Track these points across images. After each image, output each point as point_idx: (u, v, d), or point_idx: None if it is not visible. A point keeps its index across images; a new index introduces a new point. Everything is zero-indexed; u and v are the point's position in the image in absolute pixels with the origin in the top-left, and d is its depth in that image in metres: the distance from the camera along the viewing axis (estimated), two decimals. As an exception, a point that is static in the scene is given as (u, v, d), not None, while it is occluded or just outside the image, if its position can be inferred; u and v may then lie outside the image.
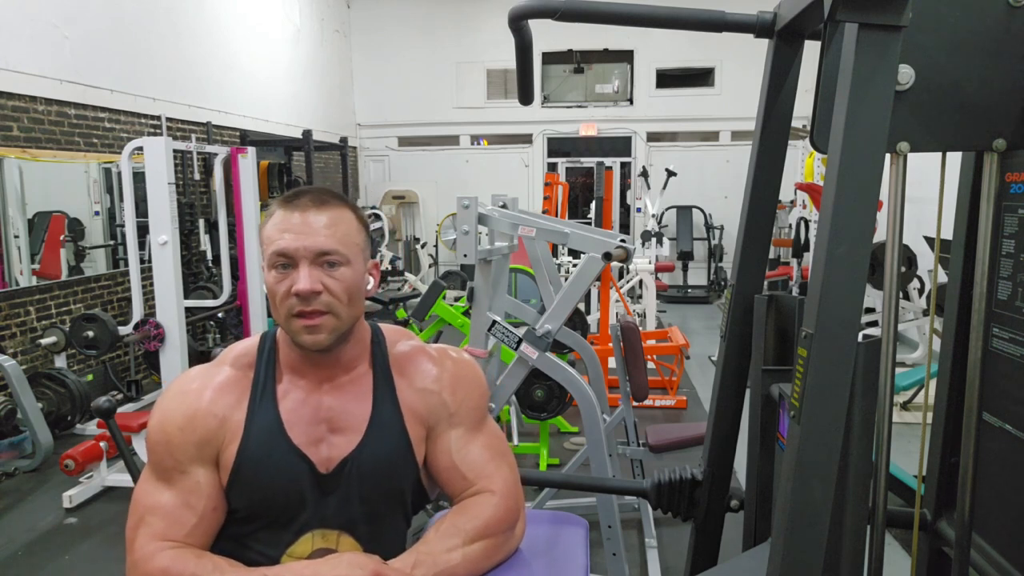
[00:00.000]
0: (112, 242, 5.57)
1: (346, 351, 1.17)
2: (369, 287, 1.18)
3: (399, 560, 1.09)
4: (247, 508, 1.13)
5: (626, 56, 10.59)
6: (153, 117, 5.98)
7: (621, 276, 7.73)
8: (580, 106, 10.75)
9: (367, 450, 1.14)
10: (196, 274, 6.26)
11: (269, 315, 5.57)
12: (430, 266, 10.23)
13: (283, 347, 1.18)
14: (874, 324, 5.84)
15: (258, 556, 1.13)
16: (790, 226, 8.65)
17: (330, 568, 1.05)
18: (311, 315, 1.08)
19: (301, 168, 7.78)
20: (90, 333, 4.49)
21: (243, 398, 1.14)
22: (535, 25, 1.50)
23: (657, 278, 7.89)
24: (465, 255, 2.50)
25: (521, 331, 2.49)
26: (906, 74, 1.08)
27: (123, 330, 4.42)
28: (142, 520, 1.10)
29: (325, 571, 1.05)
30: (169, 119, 6.17)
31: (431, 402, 1.20)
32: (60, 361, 4.64)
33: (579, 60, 10.58)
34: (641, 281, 7.32)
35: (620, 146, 10.78)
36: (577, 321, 4.74)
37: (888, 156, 1.09)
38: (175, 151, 5.06)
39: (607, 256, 2.37)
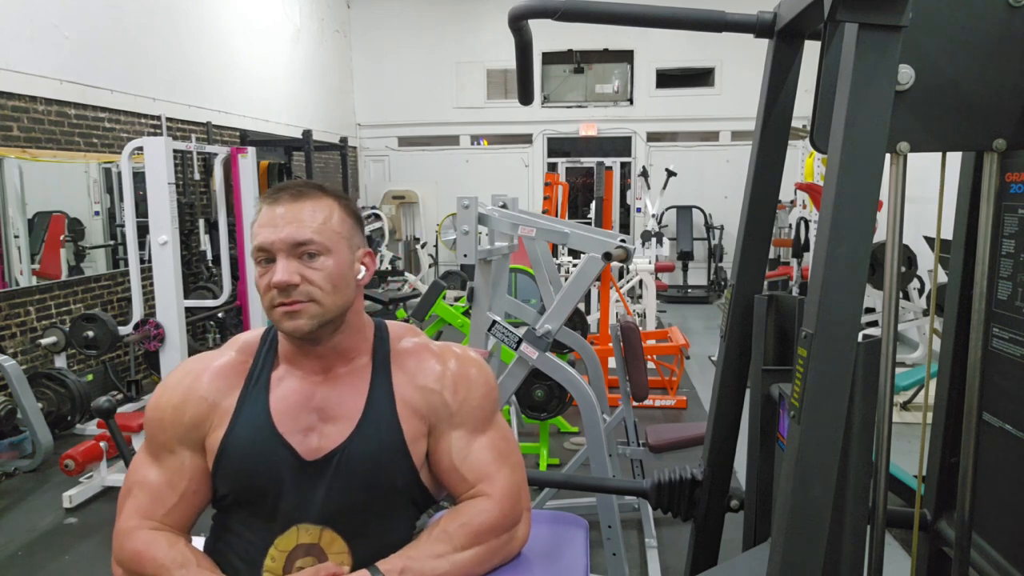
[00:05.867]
0: (112, 242, 5.57)
1: (341, 341, 1.16)
2: (360, 276, 1.17)
3: (386, 562, 1.07)
4: (231, 494, 1.14)
5: (626, 56, 10.58)
6: (153, 117, 5.98)
7: (621, 276, 7.72)
8: (580, 106, 10.75)
9: (357, 442, 1.12)
10: (196, 274, 6.26)
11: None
12: (430, 266, 10.23)
13: (282, 338, 1.18)
14: (874, 324, 5.84)
15: (248, 545, 1.13)
16: (790, 226, 8.65)
17: None
18: (291, 303, 1.08)
19: (301, 168, 7.78)
20: (90, 333, 4.49)
21: (237, 384, 1.16)
22: (535, 25, 1.50)
23: (657, 278, 7.89)
24: (465, 255, 2.50)
25: (521, 331, 2.49)
26: (906, 74, 1.08)
27: (123, 330, 4.42)
28: (130, 491, 1.16)
29: None
30: (169, 119, 6.17)
31: (432, 401, 1.17)
32: (60, 361, 4.63)
33: (579, 60, 10.58)
34: (641, 281, 7.32)
35: (620, 146, 10.78)
36: (577, 321, 4.74)
37: (888, 156, 1.09)
38: (175, 151, 5.07)
39: (607, 256, 2.37)
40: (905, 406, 4.84)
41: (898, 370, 4.94)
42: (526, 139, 10.82)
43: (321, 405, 1.14)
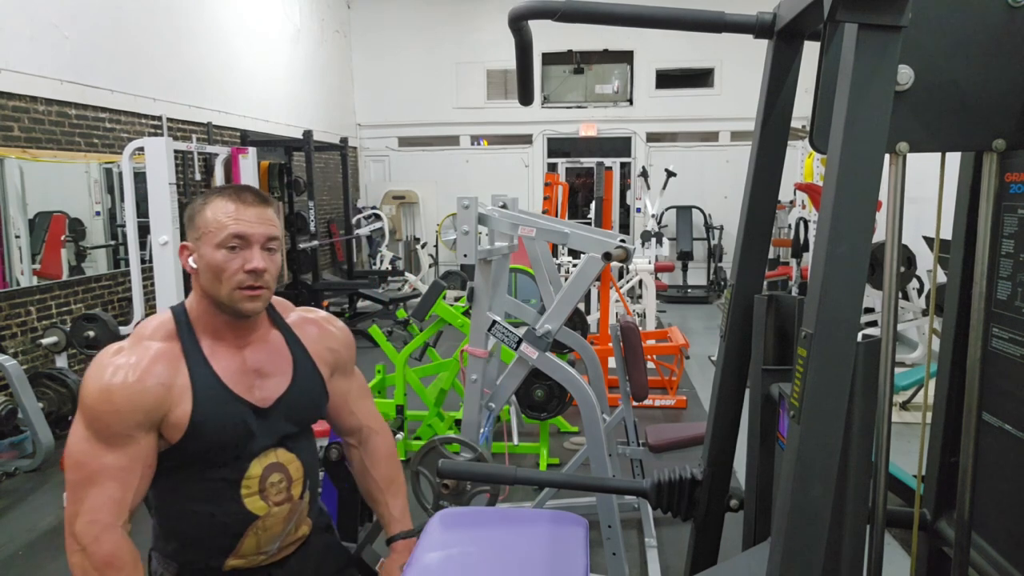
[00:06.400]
0: (113, 242, 5.57)
1: (258, 317, 1.45)
2: None
3: (394, 525, 1.61)
4: (206, 451, 1.34)
5: (626, 56, 10.59)
6: (154, 117, 5.98)
7: (621, 276, 7.73)
8: (580, 106, 10.75)
9: (296, 388, 1.46)
10: (196, 274, 6.26)
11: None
12: (430, 266, 10.23)
13: (201, 316, 1.39)
14: (874, 324, 5.85)
15: (221, 483, 1.35)
16: (790, 226, 8.65)
17: None
18: (256, 288, 1.34)
19: (301, 168, 7.78)
20: (91, 333, 4.49)
21: (179, 365, 1.34)
22: (535, 25, 1.50)
23: (657, 278, 7.89)
24: (465, 255, 2.50)
25: (521, 331, 2.49)
26: (906, 74, 1.08)
27: (123, 330, 4.42)
28: (91, 479, 1.26)
29: None
30: (169, 119, 6.17)
31: (337, 356, 1.57)
32: (61, 361, 4.64)
33: (579, 60, 10.58)
34: (641, 281, 7.32)
35: (620, 146, 10.78)
36: (577, 321, 4.74)
37: (888, 156, 1.09)
38: (176, 151, 5.07)
39: (607, 256, 2.37)
40: (905, 406, 4.84)
41: (898, 370, 4.94)
42: (526, 139, 10.82)
43: (255, 367, 1.42)
